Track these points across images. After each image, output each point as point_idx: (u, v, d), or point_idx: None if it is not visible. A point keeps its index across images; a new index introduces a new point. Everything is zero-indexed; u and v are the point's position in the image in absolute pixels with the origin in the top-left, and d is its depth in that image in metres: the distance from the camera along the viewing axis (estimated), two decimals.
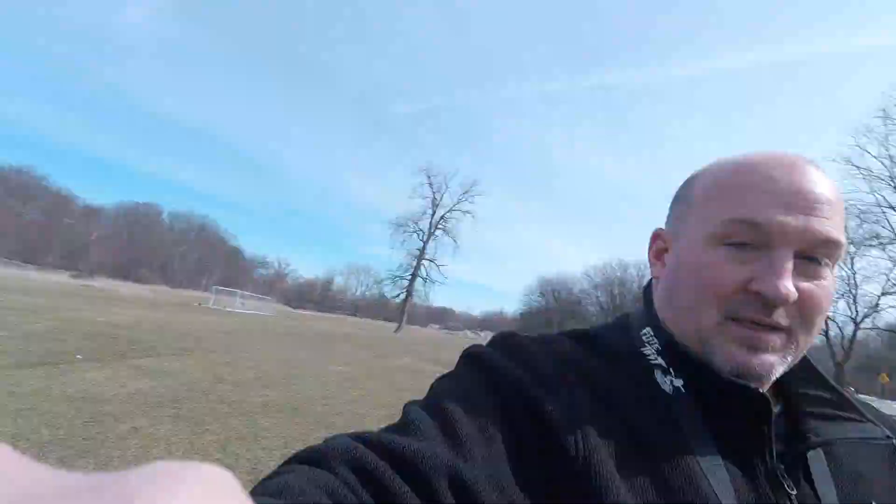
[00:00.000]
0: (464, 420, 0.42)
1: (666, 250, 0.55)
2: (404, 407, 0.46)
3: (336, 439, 0.40)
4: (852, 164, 20.02)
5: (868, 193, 19.89)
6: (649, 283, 0.59)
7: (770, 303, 0.44)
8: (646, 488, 0.42)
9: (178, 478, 0.13)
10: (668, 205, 0.58)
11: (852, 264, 22.76)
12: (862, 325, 23.80)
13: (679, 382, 0.48)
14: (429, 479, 0.36)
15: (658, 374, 0.49)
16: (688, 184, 0.54)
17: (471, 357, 0.52)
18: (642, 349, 0.52)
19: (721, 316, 0.46)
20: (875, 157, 21.35)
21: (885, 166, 18.86)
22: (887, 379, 25.62)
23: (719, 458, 0.44)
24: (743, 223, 0.45)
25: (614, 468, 0.42)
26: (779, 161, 0.47)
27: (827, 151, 23.42)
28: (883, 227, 20.41)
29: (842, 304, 23.18)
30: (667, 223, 0.57)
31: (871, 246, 20.68)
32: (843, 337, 24.21)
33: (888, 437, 0.48)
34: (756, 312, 0.45)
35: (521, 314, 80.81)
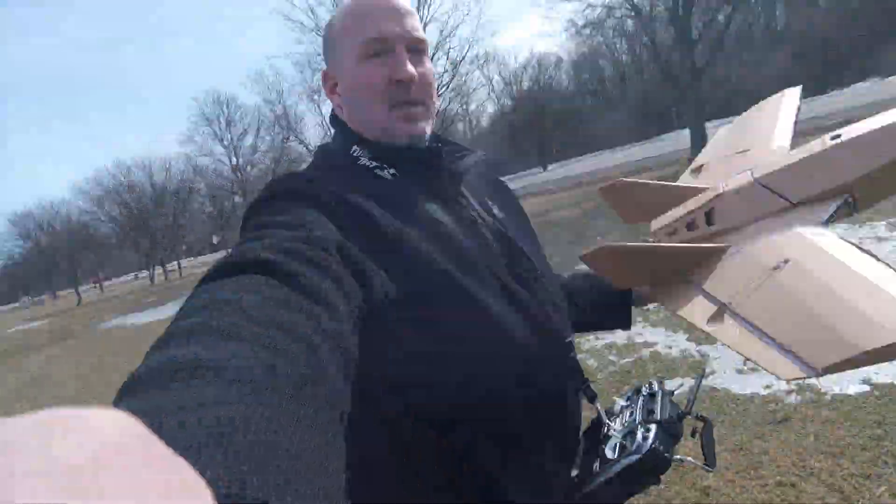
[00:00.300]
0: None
1: (336, 84, 0.72)
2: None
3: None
4: (288, 19, 21.74)
5: (302, 45, 22.30)
6: (334, 115, 0.74)
7: (406, 85, 0.66)
8: (438, 236, 0.62)
9: (70, 426, 0.12)
10: None
11: None
12: None
13: (392, 171, 0.67)
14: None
15: (377, 171, 0.67)
16: (328, 28, 0.73)
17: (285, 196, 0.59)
18: (360, 162, 0.68)
19: (386, 106, 0.67)
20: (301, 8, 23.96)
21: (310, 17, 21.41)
22: None
23: (436, 206, 0.66)
24: (372, 39, 0.66)
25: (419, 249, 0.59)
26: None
27: (267, 6, 24.59)
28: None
29: None
30: (326, 63, 0.74)
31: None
32: None
33: (484, 154, 0.77)
34: (403, 94, 0.66)
35: (4, 267, 60.99)
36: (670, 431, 0.66)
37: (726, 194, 0.86)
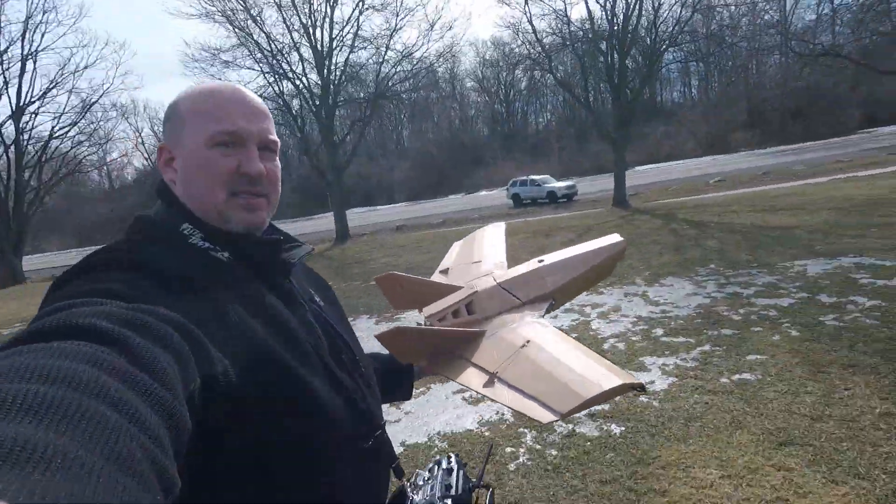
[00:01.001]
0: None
1: (172, 159, 0.71)
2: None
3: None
4: None
5: None
6: (165, 187, 0.72)
7: (254, 179, 0.69)
8: (272, 335, 0.62)
9: None
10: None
11: None
12: None
13: (226, 254, 0.67)
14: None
15: (211, 252, 0.66)
16: (174, 107, 0.72)
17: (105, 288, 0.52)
18: (191, 240, 0.66)
19: (227, 193, 0.68)
20: None
21: None
22: None
23: (269, 293, 0.68)
24: (226, 132, 0.67)
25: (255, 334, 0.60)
26: (233, 87, 0.73)
27: None
28: None
29: None
30: (164, 138, 0.73)
31: None
32: None
33: (312, 248, 0.82)
34: (248, 186, 0.69)
35: None
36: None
37: (480, 293, 1.17)
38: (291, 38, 13.91)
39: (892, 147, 21.05)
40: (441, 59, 16.13)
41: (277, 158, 0.75)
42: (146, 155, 46.77)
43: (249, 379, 0.55)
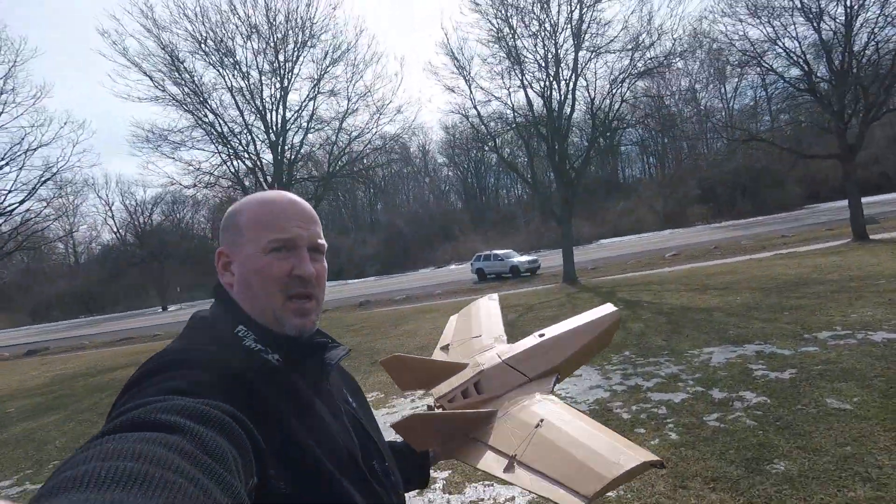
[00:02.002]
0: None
1: (230, 263, 0.77)
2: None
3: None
4: None
5: None
6: (221, 289, 0.77)
7: (306, 280, 0.74)
8: (316, 439, 0.65)
9: None
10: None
11: None
12: None
13: (277, 357, 0.71)
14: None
15: (264, 355, 0.70)
16: (233, 216, 0.77)
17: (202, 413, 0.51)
18: (245, 342, 0.71)
19: (283, 297, 0.73)
20: None
21: None
22: None
23: (316, 398, 0.72)
24: (282, 238, 0.73)
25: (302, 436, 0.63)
26: (287, 197, 0.78)
27: None
28: None
29: None
30: (222, 244, 0.78)
31: None
32: None
33: (349, 349, 0.84)
34: (300, 287, 0.74)
35: None
36: None
37: (486, 371, 1.16)
38: (244, 120, 14.30)
39: (829, 223, 22.25)
40: (392, 141, 16.65)
41: (325, 259, 0.81)
42: (115, 229, 46.00)
43: (295, 484, 0.59)
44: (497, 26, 14.52)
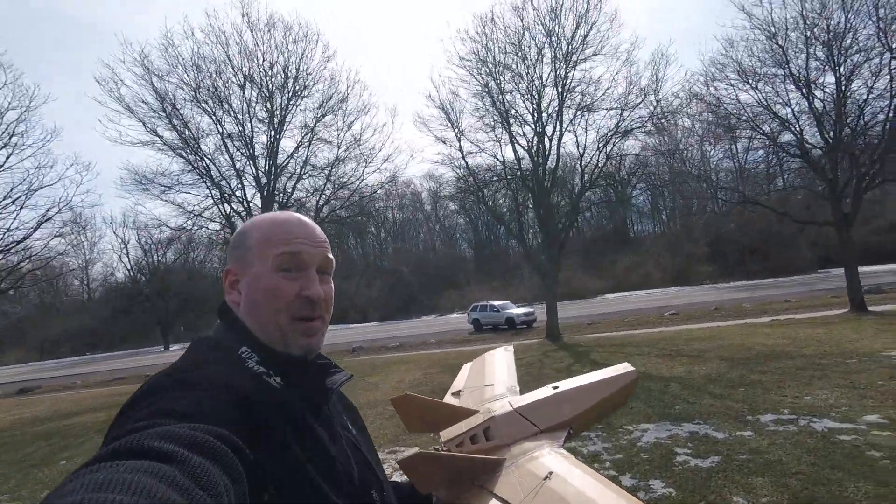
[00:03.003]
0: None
1: (237, 281, 0.77)
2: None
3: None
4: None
5: None
6: (227, 308, 0.78)
7: (313, 302, 0.74)
8: (314, 462, 0.65)
9: None
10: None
11: None
12: None
13: (279, 379, 0.70)
14: None
15: (265, 378, 0.70)
16: (243, 234, 0.78)
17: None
18: (247, 364, 0.70)
19: (289, 317, 0.73)
20: None
21: None
22: None
23: (315, 423, 0.71)
24: (288, 254, 0.74)
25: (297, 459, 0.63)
26: (297, 217, 0.79)
27: None
28: None
29: None
30: (230, 262, 0.78)
31: None
32: None
33: (351, 375, 0.84)
34: (307, 309, 0.74)
35: None
36: None
37: (496, 418, 1.13)
38: (233, 165, 14.72)
39: (836, 289, 21.42)
40: (381, 189, 16.92)
41: (332, 280, 0.81)
42: (129, 266, 46.77)
43: None
44: (483, 81, 14.97)
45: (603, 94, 14.75)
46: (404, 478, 0.96)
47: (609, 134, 15.02)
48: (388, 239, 60.30)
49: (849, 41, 13.87)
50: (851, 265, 14.35)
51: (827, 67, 14.34)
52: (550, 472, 0.91)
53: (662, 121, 15.05)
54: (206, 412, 0.56)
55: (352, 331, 34.07)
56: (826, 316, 13.77)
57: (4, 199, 16.20)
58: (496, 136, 15.45)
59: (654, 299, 29.69)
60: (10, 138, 15.82)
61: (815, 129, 14.88)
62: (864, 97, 13.97)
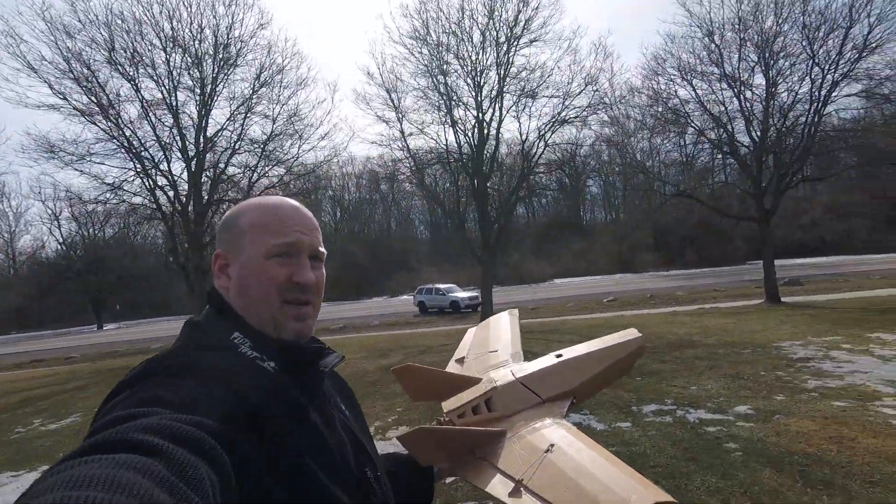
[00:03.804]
0: None
1: (227, 265, 0.77)
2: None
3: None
4: None
5: None
6: (217, 294, 0.77)
7: (304, 287, 0.75)
8: (310, 447, 0.64)
9: None
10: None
11: None
12: None
13: (272, 364, 0.69)
14: None
15: (259, 363, 0.69)
16: (234, 218, 0.77)
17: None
18: (241, 349, 0.69)
19: (280, 301, 0.73)
20: None
21: None
22: None
23: (310, 406, 0.70)
24: (284, 244, 0.74)
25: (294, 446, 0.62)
26: (290, 202, 0.79)
27: None
28: None
29: None
30: (220, 245, 0.78)
31: None
32: None
33: (343, 356, 0.82)
34: (298, 293, 0.74)
35: None
36: None
37: (499, 388, 1.14)
38: (156, 136, 13.79)
39: (761, 280, 22.73)
40: (319, 167, 16.36)
41: (323, 267, 0.82)
42: (60, 240, 43.46)
43: (290, 494, 0.58)
44: (425, 61, 14.65)
45: (544, 81, 14.73)
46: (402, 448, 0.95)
47: (552, 122, 15.08)
48: (344, 218, 59.19)
49: (779, 45, 14.42)
50: (768, 258, 15.17)
51: (757, 69, 14.90)
52: (552, 445, 0.90)
53: (603, 111, 15.23)
54: (195, 400, 0.54)
55: None
56: (742, 306, 14.55)
57: None
58: (440, 118, 15.21)
59: (598, 285, 30.63)
60: None
61: (744, 127, 15.50)
62: (790, 101, 14.61)
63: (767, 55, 14.53)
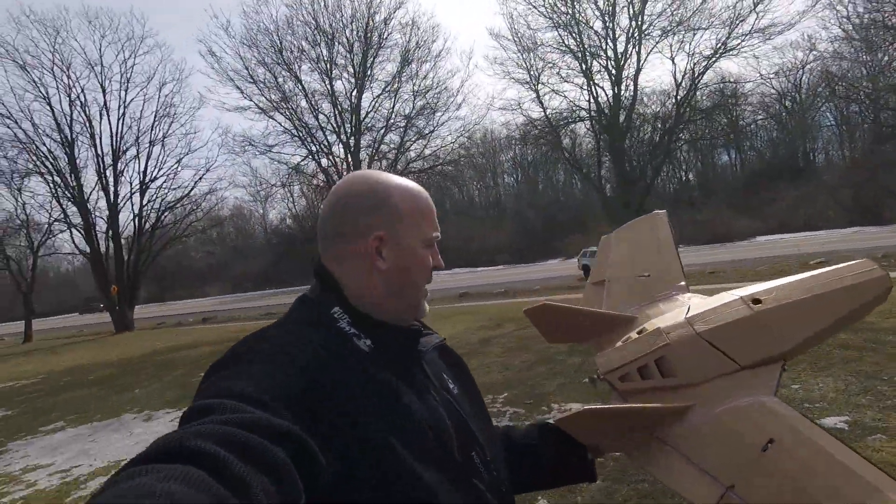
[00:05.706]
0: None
1: (380, 246, 0.74)
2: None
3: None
4: None
5: None
6: (324, 269, 0.76)
7: (432, 273, 0.79)
8: (399, 426, 0.63)
9: None
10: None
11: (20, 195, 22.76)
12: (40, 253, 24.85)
13: (369, 342, 0.70)
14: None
15: (354, 340, 0.70)
16: (386, 197, 0.75)
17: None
18: (339, 324, 0.71)
19: (424, 287, 0.79)
20: None
21: None
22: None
23: (402, 384, 0.69)
24: (436, 237, 0.79)
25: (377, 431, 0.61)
26: (426, 193, 0.80)
27: None
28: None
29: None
30: (381, 227, 0.74)
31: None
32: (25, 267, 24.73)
33: (443, 339, 0.85)
34: (430, 280, 0.79)
35: None
36: None
37: (673, 345, 0.85)
38: (318, 122, 16.19)
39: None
40: (461, 139, 16.98)
41: None
42: (293, 213, 54.26)
43: (370, 474, 0.58)
44: (556, 16, 13.54)
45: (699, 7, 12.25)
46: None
47: (714, 53, 12.58)
48: (522, 180, 59.24)
49: None
50: None
51: None
52: (771, 440, 0.69)
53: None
54: (269, 388, 0.56)
55: (474, 275, 35.15)
56: None
57: (177, 163, 20.50)
58: (576, 72, 14.08)
59: (812, 242, 24.75)
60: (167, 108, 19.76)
61: None
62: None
63: None
